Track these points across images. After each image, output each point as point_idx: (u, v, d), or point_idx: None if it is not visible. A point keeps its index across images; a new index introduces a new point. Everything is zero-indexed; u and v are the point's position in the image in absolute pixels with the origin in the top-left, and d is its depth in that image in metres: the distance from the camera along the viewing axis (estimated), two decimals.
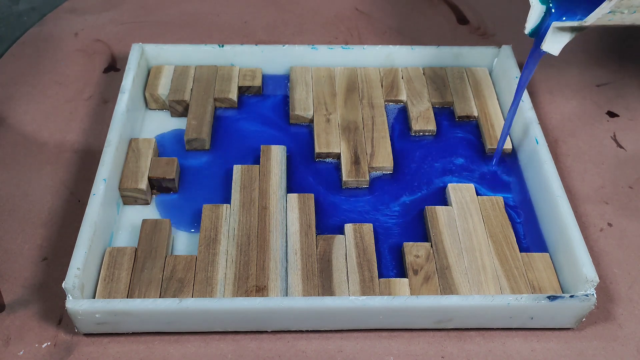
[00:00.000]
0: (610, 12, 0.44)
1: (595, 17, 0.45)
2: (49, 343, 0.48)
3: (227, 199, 0.56)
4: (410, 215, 0.55)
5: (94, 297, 0.48)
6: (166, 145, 0.60)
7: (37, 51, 0.72)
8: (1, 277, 0.51)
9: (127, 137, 0.58)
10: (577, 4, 0.48)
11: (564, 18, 0.48)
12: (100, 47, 0.72)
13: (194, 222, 0.54)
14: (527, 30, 0.51)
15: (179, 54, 0.66)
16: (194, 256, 0.51)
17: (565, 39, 0.49)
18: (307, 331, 0.49)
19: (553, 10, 0.49)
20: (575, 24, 0.47)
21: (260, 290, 0.49)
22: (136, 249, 0.51)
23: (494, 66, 0.67)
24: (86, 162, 0.60)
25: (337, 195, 0.57)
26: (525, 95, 0.61)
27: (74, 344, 0.48)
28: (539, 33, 0.50)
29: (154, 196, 0.56)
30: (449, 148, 0.61)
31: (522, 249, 0.53)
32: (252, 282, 0.49)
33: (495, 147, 0.60)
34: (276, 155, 0.58)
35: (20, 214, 0.56)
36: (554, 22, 0.48)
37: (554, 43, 0.49)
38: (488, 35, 0.76)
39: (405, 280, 0.50)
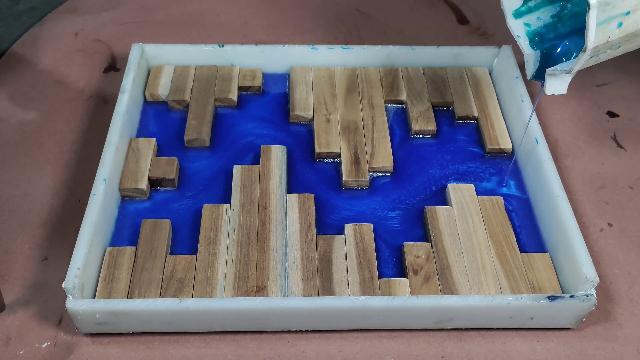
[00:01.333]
0: (591, 57, 0.43)
1: (580, 66, 0.44)
2: (49, 343, 0.48)
3: (227, 199, 0.56)
4: (410, 215, 0.55)
5: (94, 297, 0.48)
6: (166, 145, 0.60)
7: (37, 51, 0.72)
8: (1, 277, 0.51)
9: (127, 137, 0.58)
10: (555, 59, 0.48)
11: (548, 63, 0.48)
12: (100, 47, 0.72)
13: (194, 222, 0.54)
14: (528, 77, 0.50)
15: (179, 54, 0.66)
16: (194, 256, 0.51)
17: (567, 78, 0.47)
18: (307, 331, 0.49)
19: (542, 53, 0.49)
20: (565, 68, 0.46)
21: (260, 290, 0.49)
22: (136, 249, 0.51)
23: (494, 66, 0.67)
24: (86, 162, 0.60)
25: (337, 195, 0.57)
26: (526, 96, 0.61)
27: (74, 344, 0.48)
28: (543, 75, 0.49)
29: (153, 194, 0.56)
30: (449, 148, 0.61)
31: (522, 249, 0.53)
32: (252, 282, 0.49)
33: (495, 147, 0.60)
34: (276, 155, 0.58)
35: (20, 214, 0.56)
36: (547, 70, 0.47)
37: (557, 85, 0.48)
38: (488, 35, 0.76)
39: (405, 280, 0.50)
